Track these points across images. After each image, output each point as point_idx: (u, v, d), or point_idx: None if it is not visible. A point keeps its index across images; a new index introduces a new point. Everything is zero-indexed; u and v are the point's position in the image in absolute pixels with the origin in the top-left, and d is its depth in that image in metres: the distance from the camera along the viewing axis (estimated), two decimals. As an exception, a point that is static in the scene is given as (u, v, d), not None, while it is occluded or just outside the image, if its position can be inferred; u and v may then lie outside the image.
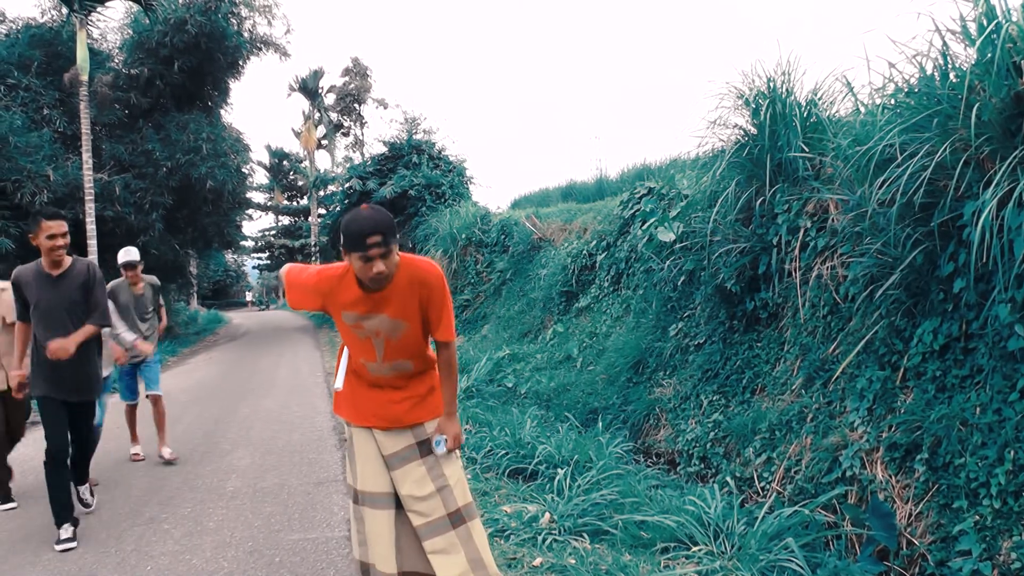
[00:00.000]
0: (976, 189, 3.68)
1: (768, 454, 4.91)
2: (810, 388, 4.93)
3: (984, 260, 3.54)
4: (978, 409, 3.63)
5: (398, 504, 3.01)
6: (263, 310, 52.07)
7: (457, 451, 3.11)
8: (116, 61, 20.85)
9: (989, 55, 3.66)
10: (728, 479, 5.05)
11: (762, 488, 4.78)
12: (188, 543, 4.47)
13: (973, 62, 3.88)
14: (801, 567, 3.64)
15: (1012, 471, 3.34)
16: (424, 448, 3.01)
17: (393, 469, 3.00)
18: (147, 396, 6.66)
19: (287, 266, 3.13)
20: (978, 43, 3.78)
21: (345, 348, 3.13)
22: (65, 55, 18.05)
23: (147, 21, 19.22)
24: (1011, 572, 3.18)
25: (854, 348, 4.59)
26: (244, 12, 22.05)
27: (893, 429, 4.07)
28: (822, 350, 4.96)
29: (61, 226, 4.58)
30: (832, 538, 4.10)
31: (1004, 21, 3.66)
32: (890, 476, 4.00)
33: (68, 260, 4.62)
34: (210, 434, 7.83)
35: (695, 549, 3.97)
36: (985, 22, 3.76)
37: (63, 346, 4.38)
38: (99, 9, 17.28)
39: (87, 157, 15.70)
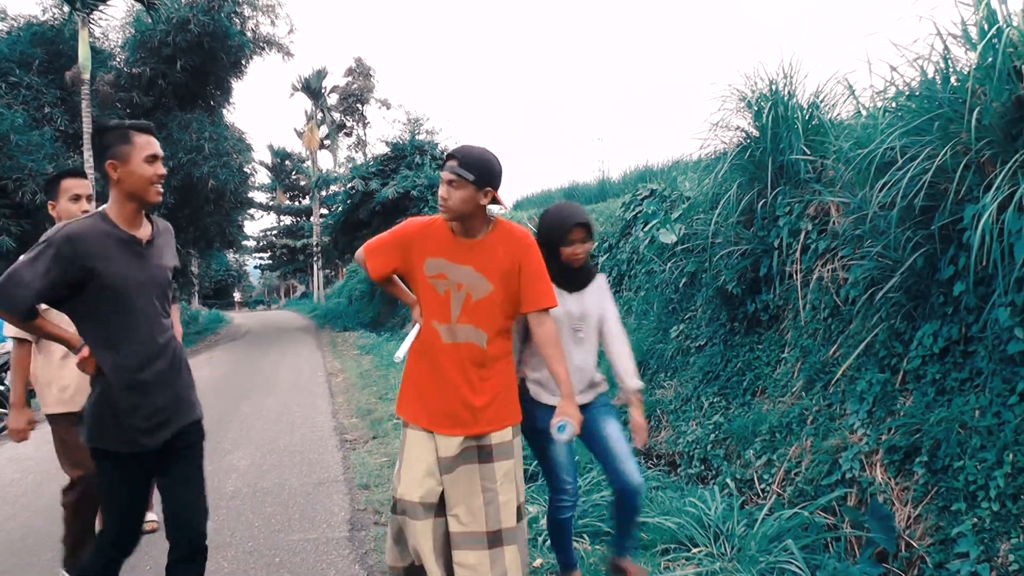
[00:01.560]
0: (976, 193, 3.69)
1: (768, 456, 4.92)
2: (810, 390, 4.94)
3: (984, 263, 3.55)
4: (977, 412, 3.64)
5: (437, 512, 2.88)
6: (252, 310, 52.00)
7: (517, 473, 2.97)
8: (118, 60, 20.92)
9: (990, 59, 3.67)
10: (728, 481, 5.06)
11: (762, 490, 4.79)
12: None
13: (974, 66, 3.88)
14: (800, 569, 3.65)
15: (1011, 474, 3.35)
16: (484, 454, 2.88)
17: (446, 472, 2.85)
18: None
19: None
20: (979, 47, 3.79)
21: (416, 326, 2.99)
22: (67, 53, 18.11)
23: (149, 20, 19.29)
24: (1009, 574, 3.19)
25: (854, 351, 4.60)
26: (247, 11, 22.16)
27: (893, 432, 4.08)
28: (822, 352, 4.97)
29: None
30: (831, 540, 4.10)
31: (1005, 25, 3.66)
32: (889, 478, 4.01)
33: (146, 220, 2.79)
34: (211, 434, 7.80)
35: (695, 551, 3.99)
36: (986, 26, 3.77)
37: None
38: (101, 8, 17.35)
39: (88, 156, 15.73)
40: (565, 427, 2.78)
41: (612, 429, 3.43)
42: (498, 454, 2.88)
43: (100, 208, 2.70)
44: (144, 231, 2.73)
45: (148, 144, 2.64)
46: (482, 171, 2.73)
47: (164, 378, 2.72)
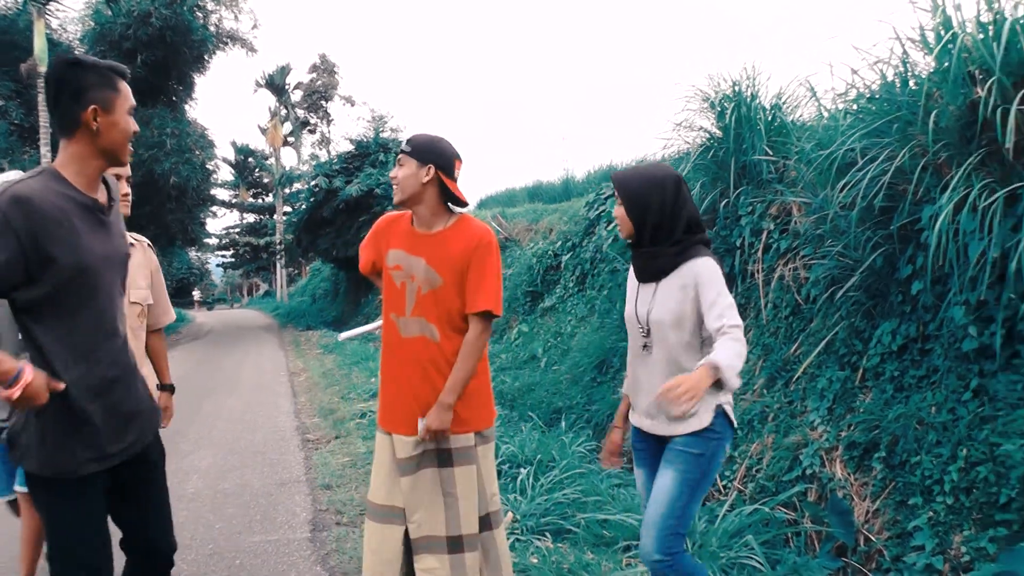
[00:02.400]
0: (934, 194, 3.76)
1: (730, 452, 4.97)
2: (772, 388, 4.99)
3: (941, 263, 3.62)
4: (934, 408, 3.70)
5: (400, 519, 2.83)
6: (211, 310, 51.38)
7: (486, 481, 2.91)
8: (77, 53, 20.52)
9: (946, 64, 3.74)
10: (691, 478, 5.09)
11: (723, 487, 4.84)
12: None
13: (931, 70, 3.96)
14: (761, 564, 3.69)
15: (964, 468, 3.42)
16: (443, 459, 2.83)
17: (405, 475, 2.80)
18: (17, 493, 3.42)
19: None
20: (936, 52, 3.86)
21: (379, 320, 3.05)
22: (22, 45, 17.73)
23: (109, 13, 18.96)
24: (961, 565, 3.26)
25: (815, 349, 4.66)
26: (210, 6, 21.89)
27: (852, 428, 4.14)
28: (784, 350, 5.04)
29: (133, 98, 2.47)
30: (792, 535, 4.16)
31: (960, 31, 3.74)
32: (849, 474, 4.08)
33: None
34: (171, 434, 7.73)
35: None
36: (942, 32, 3.84)
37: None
38: (58, -1, 17.01)
39: (45, 151, 15.45)
40: (419, 426, 2.75)
41: (659, 482, 2.69)
42: (458, 459, 2.83)
43: (45, 166, 2.20)
44: (102, 194, 2.28)
45: (129, 94, 2.26)
46: (423, 148, 2.80)
47: (130, 372, 2.35)
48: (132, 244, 3.13)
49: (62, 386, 2.09)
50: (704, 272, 2.56)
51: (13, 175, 2.85)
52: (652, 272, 2.72)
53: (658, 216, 2.65)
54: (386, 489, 2.84)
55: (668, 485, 2.62)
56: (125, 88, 2.23)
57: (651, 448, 2.84)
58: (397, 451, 2.81)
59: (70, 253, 2.08)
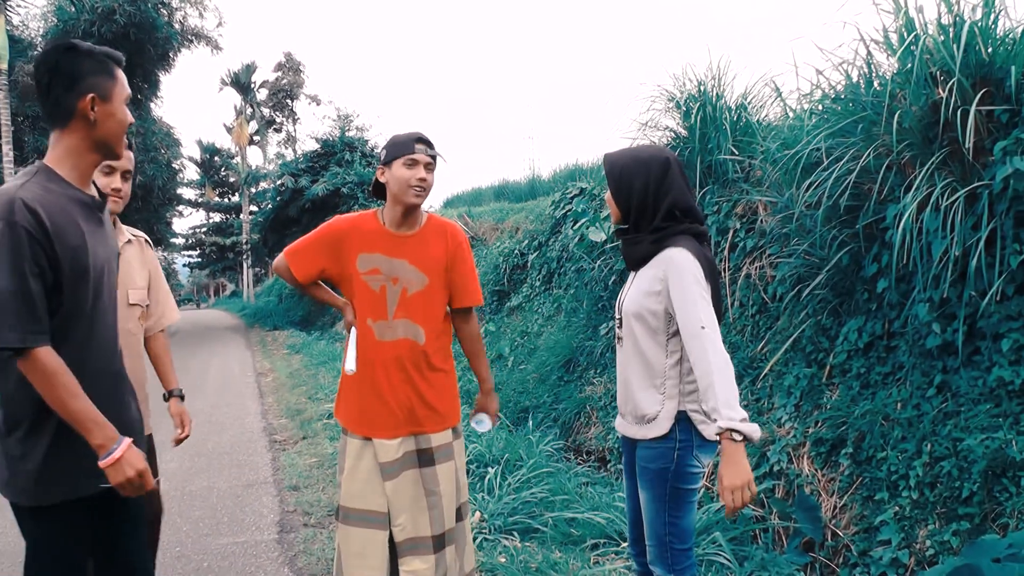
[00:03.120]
0: (898, 193, 3.81)
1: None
2: (739, 385, 5.03)
3: (905, 261, 3.67)
4: (899, 404, 3.75)
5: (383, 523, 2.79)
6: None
7: (460, 475, 2.92)
8: (39, 50, 20.15)
9: (909, 65, 3.79)
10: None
11: (693, 484, 4.86)
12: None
13: (895, 71, 4.01)
14: (729, 560, 3.71)
15: (929, 463, 3.47)
16: (425, 459, 2.80)
17: (388, 479, 2.75)
18: None
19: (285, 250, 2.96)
20: (899, 53, 3.92)
21: (353, 329, 2.84)
22: (-18, 42, 17.38)
23: (72, 9, 18.64)
24: (926, 559, 3.31)
25: (782, 346, 4.70)
26: (175, 3, 21.61)
27: (819, 425, 4.18)
28: (751, 348, 5.08)
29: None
30: (759, 531, 4.19)
31: (922, 33, 3.79)
32: (816, 470, 4.12)
33: None
34: (136, 435, 7.62)
35: (624, 545, 4.02)
36: (905, 33, 3.90)
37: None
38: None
39: (7, 149, 15.17)
40: (482, 420, 2.86)
41: (641, 498, 2.56)
42: (439, 456, 2.82)
43: (39, 164, 2.03)
44: (92, 190, 2.13)
45: (125, 83, 2.08)
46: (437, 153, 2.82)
47: (123, 377, 2.23)
48: (130, 240, 2.96)
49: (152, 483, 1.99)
50: (678, 264, 2.34)
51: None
52: (633, 260, 2.58)
53: (641, 197, 2.47)
54: (367, 494, 2.78)
55: (646, 505, 2.51)
56: (122, 76, 2.07)
57: (629, 453, 2.73)
58: (380, 455, 2.76)
59: (80, 249, 1.95)
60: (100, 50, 2.04)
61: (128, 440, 1.93)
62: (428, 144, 2.74)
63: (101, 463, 1.88)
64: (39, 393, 1.86)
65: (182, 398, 3.16)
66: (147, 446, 2.84)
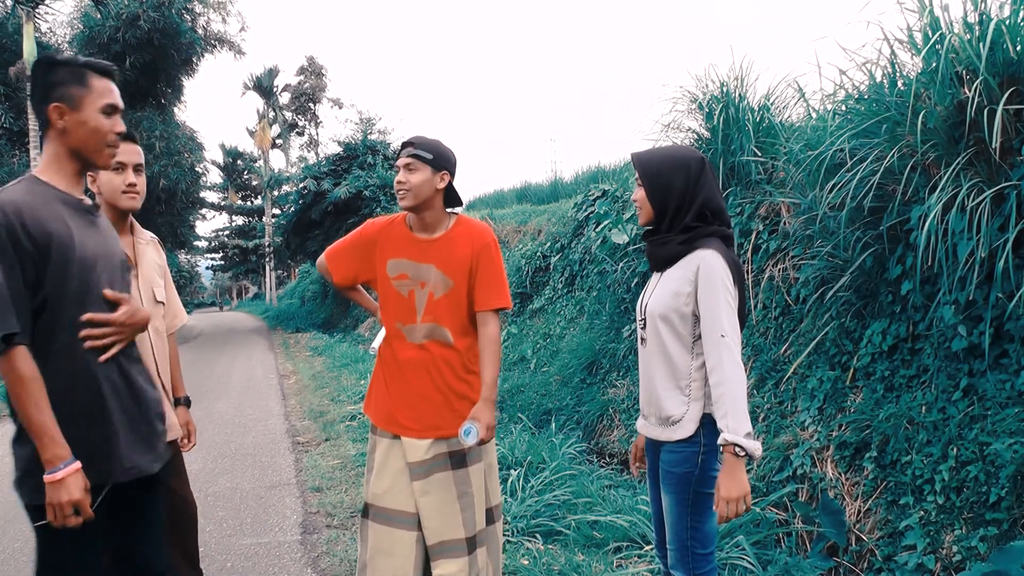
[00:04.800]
0: (922, 194, 3.77)
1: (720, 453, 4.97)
2: (762, 388, 5.00)
3: (930, 263, 3.64)
4: (924, 408, 3.72)
5: (412, 525, 2.78)
6: (189, 313, 51.07)
7: (490, 474, 2.93)
8: (60, 54, 20.40)
9: (934, 64, 3.76)
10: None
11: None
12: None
13: (919, 71, 3.98)
14: (752, 564, 3.69)
15: (955, 467, 3.43)
16: (457, 460, 2.79)
17: (417, 479, 2.75)
18: None
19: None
20: (923, 52, 3.88)
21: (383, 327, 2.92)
22: (11, 48, 17.64)
23: (98, 16, 18.87)
24: (952, 565, 3.27)
25: (805, 349, 4.67)
26: (198, 8, 21.80)
27: (843, 428, 4.15)
28: (774, 351, 5.04)
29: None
30: (783, 535, 4.16)
31: (948, 32, 3.76)
32: (840, 474, 4.08)
33: None
34: (161, 437, 7.68)
35: (647, 548, 4.01)
36: (930, 32, 3.86)
37: (139, 312, 2.22)
38: (47, 2, 16.91)
39: (35, 154, 15.33)
40: (470, 431, 2.60)
41: (664, 502, 2.52)
42: (471, 458, 2.83)
43: (25, 174, 2.13)
44: (81, 195, 2.19)
45: (108, 91, 2.13)
46: (437, 153, 2.75)
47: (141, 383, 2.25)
48: (148, 241, 2.97)
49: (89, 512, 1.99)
50: (705, 267, 2.34)
51: None
52: (659, 260, 2.54)
53: (680, 197, 2.45)
54: (394, 493, 2.80)
55: (669, 508, 2.49)
56: (101, 85, 2.12)
57: (652, 455, 2.68)
58: (408, 455, 2.78)
59: (63, 249, 2.00)
60: (80, 61, 2.10)
61: (77, 465, 1.96)
62: (412, 144, 2.75)
63: (45, 477, 1.92)
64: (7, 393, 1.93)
65: (188, 406, 3.13)
66: (171, 448, 2.82)
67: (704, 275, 2.33)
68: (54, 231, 1.98)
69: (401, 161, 2.74)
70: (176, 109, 23.95)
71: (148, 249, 2.96)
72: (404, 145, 2.77)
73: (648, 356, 2.55)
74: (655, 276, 2.60)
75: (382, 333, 2.93)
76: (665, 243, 2.50)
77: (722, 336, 2.26)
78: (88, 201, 2.18)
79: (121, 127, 2.18)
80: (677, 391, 2.44)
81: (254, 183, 54.87)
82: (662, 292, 2.48)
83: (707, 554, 2.45)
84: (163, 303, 2.96)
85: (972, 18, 3.76)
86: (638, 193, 2.55)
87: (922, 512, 3.51)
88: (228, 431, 8.00)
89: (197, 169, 23.77)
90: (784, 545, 4.13)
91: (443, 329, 2.79)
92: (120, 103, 2.17)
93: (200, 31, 22.16)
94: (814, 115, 5.37)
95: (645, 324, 2.55)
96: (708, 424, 2.40)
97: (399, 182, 2.73)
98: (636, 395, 6.48)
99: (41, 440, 1.92)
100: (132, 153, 2.76)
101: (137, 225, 2.95)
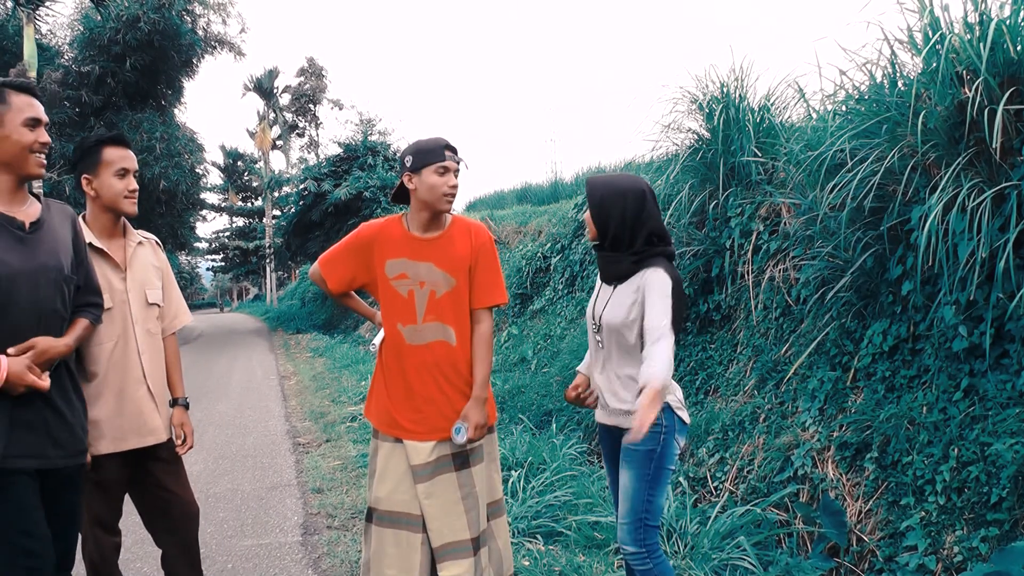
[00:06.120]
0: (923, 194, 3.77)
1: (721, 454, 4.97)
2: (762, 389, 5.00)
3: (931, 263, 3.63)
4: (925, 408, 3.71)
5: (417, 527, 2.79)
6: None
7: (492, 473, 2.95)
8: (66, 58, 20.41)
9: (934, 64, 3.76)
10: (681, 479, 5.10)
11: (715, 488, 4.84)
12: (139, 551, 4.35)
13: (919, 71, 3.98)
14: (753, 565, 3.69)
15: (956, 468, 3.42)
16: (460, 460, 2.81)
17: (421, 481, 2.76)
18: None
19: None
20: (924, 53, 3.88)
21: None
22: (10, 50, 17.64)
23: (98, 17, 18.87)
24: (954, 565, 3.27)
25: (806, 349, 4.67)
26: (198, 10, 21.79)
27: (844, 428, 4.15)
28: (774, 351, 5.04)
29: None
30: (784, 536, 4.16)
31: (948, 32, 3.75)
32: (841, 474, 4.08)
33: (32, 200, 2.39)
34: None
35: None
36: (930, 33, 3.86)
37: (51, 348, 2.24)
38: (48, 4, 16.90)
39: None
40: (460, 430, 2.74)
41: (622, 480, 2.79)
42: (474, 459, 2.85)
43: None
44: (30, 211, 2.30)
45: (28, 106, 2.27)
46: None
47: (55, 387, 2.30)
48: (141, 242, 2.97)
49: (46, 385, 2.19)
50: (652, 281, 2.66)
51: None
52: (612, 276, 2.85)
53: (619, 226, 2.75)
54: (398, 496, 2.80)
55: (628, 484, 2.75)
56: (21, 100, 2.25)
57: (610, 443, 2.95)
58: (412, 457, 2.78)
59: None
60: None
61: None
62: (454, 150, 2.81)
63: None
64: None
65: (186, 407, 3.11)
66: (168, 452, 2.91)
67: (648, 286, 2.67)
68: None
69: (453, 166, 2.78)
70: (176, 110, 23.94)
71: (141, 251, 2.96)
72: (449, 148, 2.79)
73: (606, 356, 2.86)
74: (607, 288, 2.90)
75: (382, 332, 2.93)
76: (618, 262, 2.80)
77: (658, 327, 2.52)
78: (23, 217, 2.27)
79: (45, 138, 2.31)
80: (635, 383, 2.71)
81: (254, 184, 54.84)
82: (617, 306, 2.79)
83: (656, 527, 2.76)
84: (157, 305, 2.96)
85: (972, 18, 3.76)
86: (587, 213, 2.86)
87: (923, 513, 3.51)
88: (229, 432, 8.01)
89: (197, 170, 23.73)
90: (785, 546, 4.12)
91: (447, 328, 2.80)
92: (43, 116, 2.31)
93: (200, 32, 22.15)
94: (814, 115, 5.37)
95: (600, 329, 2.86)
96: (667, 409, 2.73)
97: (455, 187, 2.78)
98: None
99: None
100: (133, 159, 2.85)
101: (130, 227, 2.96)
